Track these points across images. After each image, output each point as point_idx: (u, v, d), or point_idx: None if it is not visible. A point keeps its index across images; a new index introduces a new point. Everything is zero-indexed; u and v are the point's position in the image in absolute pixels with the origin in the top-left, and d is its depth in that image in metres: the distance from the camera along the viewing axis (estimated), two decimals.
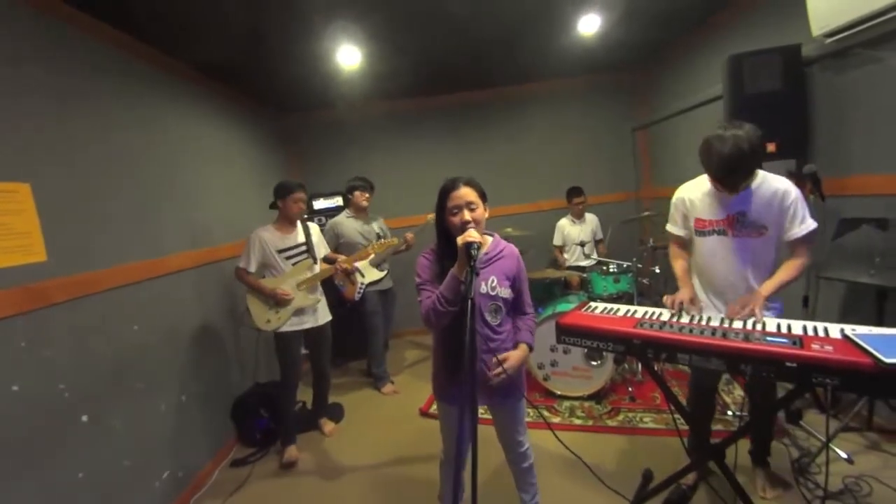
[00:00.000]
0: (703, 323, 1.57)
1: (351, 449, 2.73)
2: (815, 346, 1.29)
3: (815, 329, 1.43)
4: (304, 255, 2.65)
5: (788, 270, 1.69)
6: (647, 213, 3.23)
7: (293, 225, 2.66)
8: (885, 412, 2.19)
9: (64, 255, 1.81)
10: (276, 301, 2.52)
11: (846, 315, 2.35)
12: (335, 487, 2.39)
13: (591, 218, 4.01)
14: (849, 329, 1.38)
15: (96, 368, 1.91)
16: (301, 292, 2.59)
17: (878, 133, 2.12)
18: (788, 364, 1.28)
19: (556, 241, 4.01)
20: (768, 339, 1.38)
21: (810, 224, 1.66)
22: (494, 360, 1.54)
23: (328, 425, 2.94)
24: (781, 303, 1.81)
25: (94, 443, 1.85)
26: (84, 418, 1.81)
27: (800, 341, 1.33)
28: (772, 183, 1.69)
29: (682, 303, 1.73)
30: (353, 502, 2.25)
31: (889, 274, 1.92)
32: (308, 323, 2.66)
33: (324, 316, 2.77)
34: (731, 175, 1.61)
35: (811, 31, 2.17)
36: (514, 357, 1.58)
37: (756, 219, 1.70)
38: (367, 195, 3.36)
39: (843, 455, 2.09)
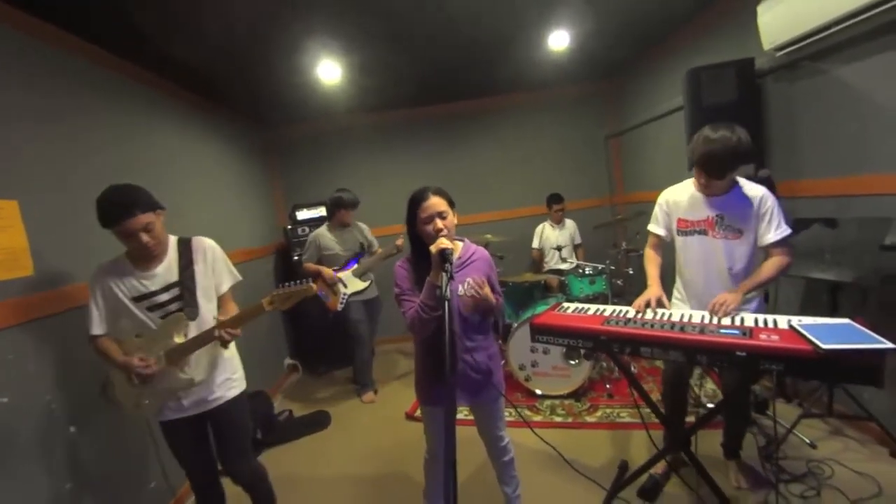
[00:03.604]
0: (664, 319, 1.68)
1: (338, 455, 2.78)
2: (763, 337, 1.41)
3: (766, 321, 1.56)
4: (177, 305, 1.66)
5: (767, 270, 1.80)
6: (619, 218, 3.38)
7: (154, 258, 1.66)
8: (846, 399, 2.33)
9: (50, 269, 1.86)
10: (135, 377, 1.62)
11: (805, 309, 2.50)
12: (323, 491, 2.44)
13: (570, 223, 4.15)
14: (795, 320, 1.50)
15: (82, 380, 1.93)
16: (170, 370, 1.64)
17: (826, 139, 2.29)
18: (738, 353, 1.39)
19: (535, 244, 4.14)
20: (721, 331, 1.50)
21: (785, 230, 1.79)
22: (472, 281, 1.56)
23: None
24: (760, 300, 1.93)
25: (82, 453, 1.88)
26: (72, 429, 1.85)
27: (749, 332, 1.45)
28: (749, 190, 1.83)
29: (649, 301, 1.83)
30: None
31: (838, 269, 2.07)
32: (195, 407, 1.72)
33: (226, 388, 1.78)
34: (712, 165, 1.73)
35: (762, 45, 2.34)
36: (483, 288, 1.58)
37: (733, 222, 1.82)
38: (350, 212, 3.35)
39: (807, 441, 2.23)
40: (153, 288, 1.64)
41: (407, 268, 1.66)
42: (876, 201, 2.04)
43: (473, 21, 2.71)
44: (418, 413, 3.07)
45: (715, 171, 1.76)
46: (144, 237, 1.55)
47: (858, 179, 2.12)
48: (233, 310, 1.77)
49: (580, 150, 4.71)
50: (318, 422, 3.15)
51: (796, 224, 2.31)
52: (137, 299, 1.63)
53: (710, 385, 2.91)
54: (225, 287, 1.81)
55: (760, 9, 2.30)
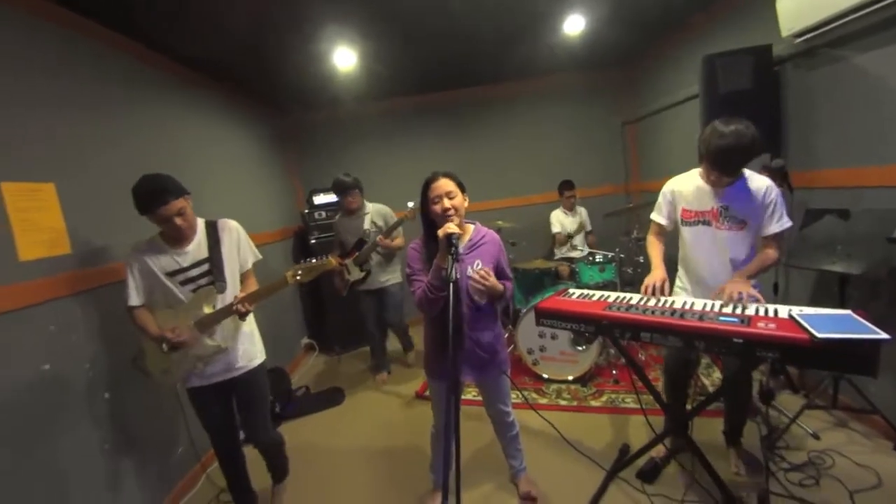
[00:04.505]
0: (666, 305, 1.72)
1: (350, 429, 2.92)
2: (761, 325, 1.44)
3: (766, 310, 1.58)
4: (207, 279, 1.84)
5: (762, 262, 1.83)
6: (629, 206, 3.37)
7: (185, 238, 1.83)
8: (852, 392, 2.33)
9: (86, 248, 2.00)
10: (168, 346, 1.79)
11: (816, 301, 2.49)
12: (336, 461, 2.58)
13: (582, 211, 4.16)
14: (796, 310, 1.52)
15: (116, 350, 2.09)
16: (200, 336, 1.81)
17: (843, 129, 2.24)
18: (735, 340, 1.43)
19: (555, 228, 4.14)
20: (720, 318, 1.53)
21: (786, 222, 1.80)
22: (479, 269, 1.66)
23: (282, 496, 2.24)
24: (758, 288, 1.95)
25: (116, 417, 2.04)
26: (106, 395, 2.00)
27: (747, 320, 1.48)
28: (755, 181, 1.83)
29: (654, 284, 1.87)
30: (353, 475, 2.44)
31: (848, 261, 2.05)
32: (219, 375, 1.89)
33: (247, 360, 1.95)
34: (727, 163, 1.74)
35: (780, 31, 2.29)
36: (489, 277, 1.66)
37: (737, 213, 1.84)
38: (349, 198, 3.23)
39: (810, 431, 2.25)
40: (185, 264, 1.82)
41: (419, 249, 1.74)
42: (891, 193, 2.01)
43: (488, 6, 2.71)
44: (428, 393, 3.17)
45: (729, 168, 1.76)
46: (178, 220, 1.73)
47: (874, 170, 2.09)
48: (254, 285, 1.95)
49: (596, 136, 4.68)
50: (333, 398, 3.29)
51: (809, 215, 2.30)
52: (171, 274, 1.81)
53: (716, 374, 2.93)
54: (249, 264, 1.98)
55: None
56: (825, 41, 2.20)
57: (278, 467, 2.22)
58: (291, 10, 2.45)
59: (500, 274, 1.79)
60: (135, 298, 1.81)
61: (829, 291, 2.33)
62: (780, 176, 2.29)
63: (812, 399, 2.34)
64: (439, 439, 1.96)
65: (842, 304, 2.16)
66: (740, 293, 1.69)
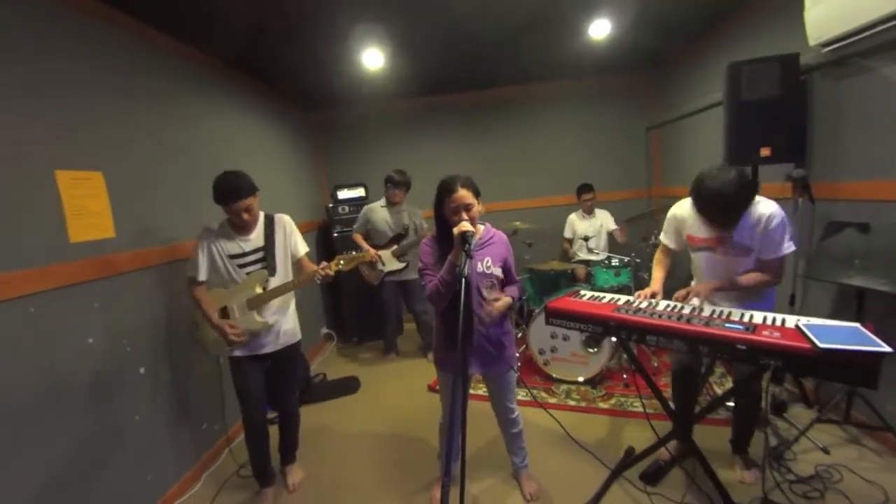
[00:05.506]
0: (674, 310, 1.76)
1: (364, 416, 3.03)
2: (765, 333, 1.47)
3: (774, 320, 1.60)
4: (260, 265, 2.11)
5: (748, 280, 1.86)
6: (649, 210, 3.37)
7: (249, 228, 2.10)
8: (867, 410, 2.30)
9: (129, 232, 2.16)
10: (222, 336, 2.05)
11: (835, 313, 2.45)
12: (348, 444, 2.70)
13: (601, 214, 4.16)
14: (803, 321, 1.54)
15: (154, 329, 2.25)
16: (249, 314, 2.08)
17: (870, 141, 2.21)
18: (739, 346, 1.46)
19: (567, 233, 4.19)
20: (726, 325, 1.56)
21: (787, 249, 1.81)
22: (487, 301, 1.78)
23: (295, 475, 2.38)
24: (769, 302, 1.96)
25: (149, 392, 2.20)
26: (141, 370, 2.16)
27: (753, 328, 1.51)
28: (759, 207, 1.82)
29: (644, 294, 1.95)
30: (364, 460, 2.54)
31: (865, 276, 2.03)
32: (267, 347, 2.15)
33: (288, 337, 2.22)
34: (716, 219, 1.79)
35: (808, 40, 2.27)
36: (500, 300, 1.80)
37: (741, 241, 1.85)
38: (396, 192, 3.55)
39: (820, 445, 2.23)
40: (247, 250, 2.10)
41: (431, 245, 1.83)
42: None
43: (512, 9, 2.76)
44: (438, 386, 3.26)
45: (722, 223, 1.80)
46: (245, 215, 2.01)
47: None
48: (312, 268, 2.14)
49: (617, 140, 4.66)
50: (349, 386, 3.42)
51: (829, 227, 2.28)
52: (232, 257, 2.08)
53: (729, 383, 2.92)
54: (301, 252, 2.22)
55: (808, 2, 2.23)
56: (854, 51, 2.17)
57: (291, 442, 2.39)
58: (323, 10, 2.55)
59: (507, 273, 1.86)
60: (202, 273, 2.06)
61: (850, 305, 2.31)
62: (801, 186, 2.28)
63: (824, 413, 2.32)
64: (446, 429, 2.04)
65: (859, 318, 2.14)
66: (689, 293, 1.80)
